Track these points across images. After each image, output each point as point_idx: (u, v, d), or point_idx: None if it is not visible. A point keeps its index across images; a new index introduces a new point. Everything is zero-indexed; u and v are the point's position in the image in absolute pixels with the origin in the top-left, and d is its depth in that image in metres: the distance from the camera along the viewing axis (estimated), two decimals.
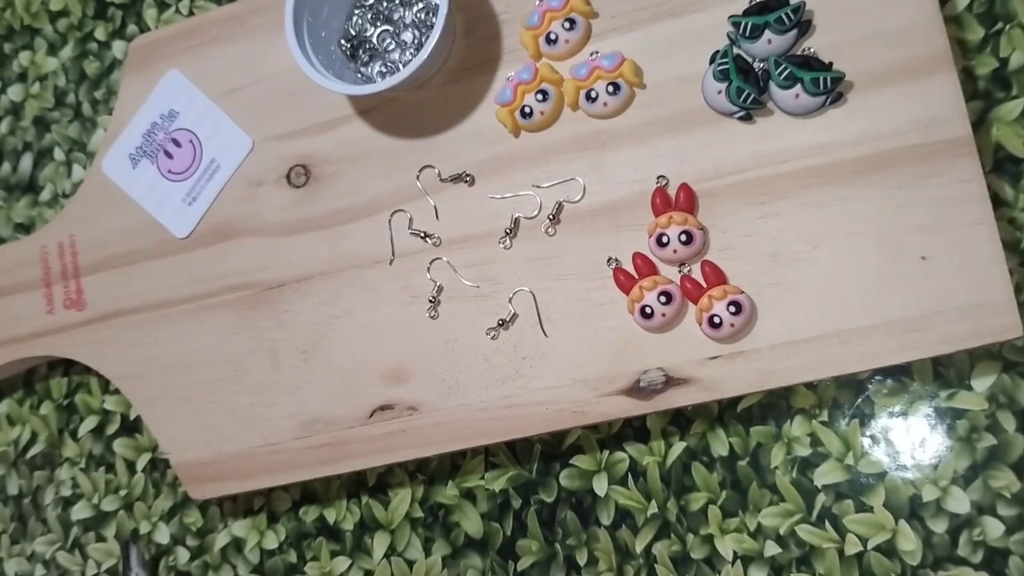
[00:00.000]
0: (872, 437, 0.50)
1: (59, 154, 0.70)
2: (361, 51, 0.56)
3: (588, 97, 0.50)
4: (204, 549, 0.63)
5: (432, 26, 0.50)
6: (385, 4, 0.55)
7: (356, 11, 0.56)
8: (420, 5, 0.54)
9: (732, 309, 0.46)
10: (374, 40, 0.55)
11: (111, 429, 0.66)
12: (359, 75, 0.55)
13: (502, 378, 0.51)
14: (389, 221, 0.55)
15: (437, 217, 0.54)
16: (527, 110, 0.51)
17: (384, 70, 0.55)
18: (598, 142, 0.51)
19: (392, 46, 0.55)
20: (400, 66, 0.54)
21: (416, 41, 0.55)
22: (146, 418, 0.60)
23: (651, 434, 0.53)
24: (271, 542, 0.61)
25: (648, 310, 0.47)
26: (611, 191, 0.50)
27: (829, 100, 0.46)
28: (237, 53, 0.60)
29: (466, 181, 0.53)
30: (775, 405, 0.51)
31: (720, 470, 0.52)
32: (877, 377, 0.50)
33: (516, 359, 0.51)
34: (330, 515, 0.60)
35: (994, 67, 0.49)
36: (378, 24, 0.55)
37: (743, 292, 0.47)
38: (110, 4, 0.70)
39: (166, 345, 0.59)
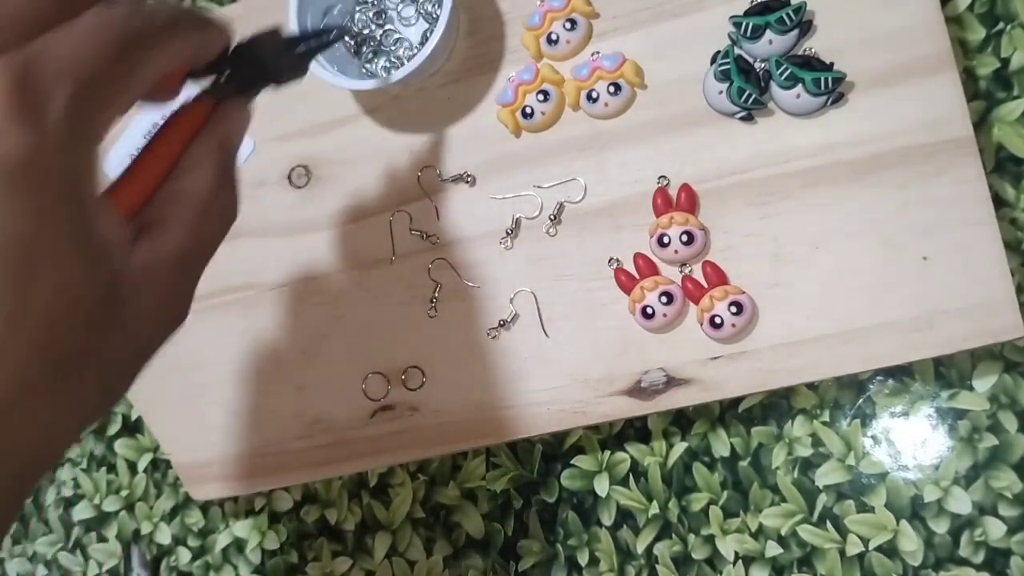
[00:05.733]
0: (873, 437, 0.50)
1: None
2: (365, 47, 0.56)
3: (589, 97, 0.50)
4: (205, 549, 0.63)
5: (436, 19, 0.50)
6: (388, 0, 0.55)
7: (359, 7, 0.56)
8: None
9: (733, 309, 0.46)
10: (378, 36, 0.55)
11: (112, 429, 0.66)
12: (363, 71, 0.55)
13: (503, 378, 0.51)
14: (390, 221, 0.55)
15: (438, 217, 0.54)
16: (528, 110, 0.51)
17: (388, 65, 0.55)
18: (599, 142, 0.51)
19: (396, 42, 0.55)
20: (405, 61, 0.54)
21: (420, 36, 0.55)
22: (147, 418, 0.60)
23: (652, 434, 0.53)
24: (272, 542, 0.61)
25: (649, 310, 0.47)
26: (612, 191, 0.50)
27: (830, 100, 0.46)
28: None
29: (467, 181, 0.53)
30: (776, 405, 0.51)
31: (721, 470, 0.52)
32: (878, 377, 0.50)
33: (517, 359, 0.51)
34: (331, 515, 0.60)
35: (995, 67, 0.49)
36: (382, 20, 0.55)
37: (744, 292, 0.47)
38: None
39: (168, 345, 0.59)
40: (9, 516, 0.30)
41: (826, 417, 0.51)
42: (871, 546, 0.49)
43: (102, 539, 0.66)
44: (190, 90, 0.35)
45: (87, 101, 0.27)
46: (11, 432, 0.27)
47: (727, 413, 0.52)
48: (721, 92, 0.47)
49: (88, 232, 0.28)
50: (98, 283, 0.28)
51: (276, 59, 0.39)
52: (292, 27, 0.51)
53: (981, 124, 0.49)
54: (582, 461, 0.55)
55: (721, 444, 0.52)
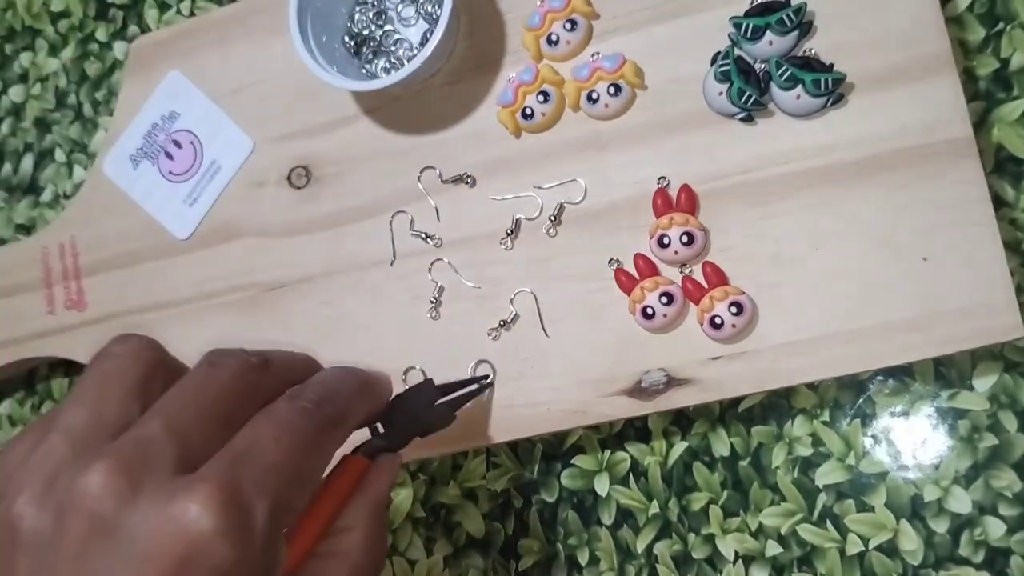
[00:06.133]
0: (873, 437, 0.50)
1: (60, 155, 0.70)
2: (365, 48, 0.56)
3: (589, 98, 0.50)
4: None
5: (436, 20, 0.50)
6: (388, 1, 0.55)
7: (359, 8, 0.56)
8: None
9: (733, 310, 0.46)
10: (378, 37, 0.55)
11: None
12: (363, 72, 0.55)
13: (503, 379, 0.51)
14: (390, 222, 0.55)
15: (438, 218, 0.54)
16: (528, 111, 0.51)
17: (388, 66, 0.55)
18: (599, 143, 0.51)
19: (396, 43, 0.55)
20: (404, 62, 0.54)
21: (420, 37, 0.55)
22: None
23: (652, 434, 0.54)
24: None
25: (649, 311, 0.47)
26: (612, 192, 0.50)
27: (830, 101, 0.46)
28: (238, 54, 0.60)
29: (467, 182, 0.53)
30: (776, 405, 0.52)
31: (721, 470, 0.52)
32: (878, 377, 0.50)
33: (517, 360, 0.51)
34: None
35: (995, 68, 0.49)
36: (382, 21, 0.55)
37: (744, 293, 0.47)
38: (111, 5, 0.70)
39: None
40: None
41: (826, 417, 0.51)
42: (871, 545, 0.49)
43: None
44: None
45: (286, 504, 0.30)
46: None
47: (727, 413, 0.52)
48: (721, 93, 0.47)
49: None
50: None
51: (428, 410, 0.42)
52: (293, 25, 0.51)
53: (981, 124, 0.49)
54: (582, 461, 0.55)
55: (721, 444, 0.52)
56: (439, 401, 0.43)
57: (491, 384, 0.47)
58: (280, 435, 0.30)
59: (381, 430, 0.39)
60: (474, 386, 0.45)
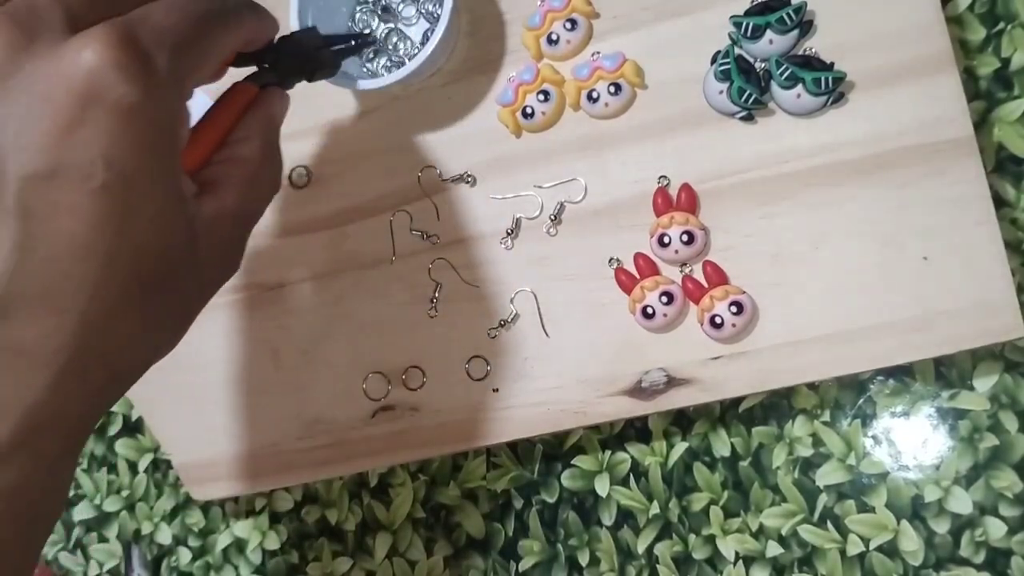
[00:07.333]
0: (874, 437, 0.50)
1: None
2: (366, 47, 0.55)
3: (589, 97, 0.50)
4: (206, 550, 0.63)
5: (437, 19, 0.50)
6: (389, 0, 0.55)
7: (359, 7, 0.56)
8: None
9: (734, 309, 0.46)
10: (379, 36, 0.55)
11: (113, 430, 0.66)
12: (364, 71, 0.55)
13: (504, 378, 0.51)
14: (390, 221, 0.55)
15: (438, 217, 0.54)
16: (528, 110, 0.51)
17: (390, 64, 0.55)
18: (599, 142, 0.51)
19: (396, 42, 0.55)
20: (405, 61, 0.54)
21: (421, 36, 0.55)
22: (148, 419, 0.60)
23: (653, 434, 0.53)
24: (273, 543, 0.61)
25: (650, 310, 0.47)
26: (612, 191, 0.50)
27: (831, 100, 0.46)
28: None
29: (467, 181, 0.53)
30: (777, 405, 0.51)
31: (722, 470, 0.52)
32: (879, 377, 0.50)
33: (518, 359, 0.51)
34: (332, 516, 0.60)
35: (996, 67, 0.49)
36: (382, 20, 0.55)
37: (744, 292, 0.47)
38: None
39: None
40: (96, 415, 0.35)
41: (827, 417, 0.51)
42: (872, 546, 0.49)
43: (103, 539, 0.66)
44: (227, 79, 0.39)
45: (180, 62, 0.31)
46: (105, 341, 0.31)
47: (728, 413, 0.52)
48: (721, 92, 0.47)
49: (176, 177, 0.32)
50: (180, 222, 0.32)
51: (313, 55, 0.44)
52: (294, 25, 0.52)
53: (981, 124, 0.49)
54: (583, 461, 0.55)
55: (722, 444, 0.52)
56: (325, 48, 0.45)
57: (373, 42, 0.50)
58: (173, 7, 0.31)
59: (266, 71, 0.41)
60: (358, 41, 0.47)
